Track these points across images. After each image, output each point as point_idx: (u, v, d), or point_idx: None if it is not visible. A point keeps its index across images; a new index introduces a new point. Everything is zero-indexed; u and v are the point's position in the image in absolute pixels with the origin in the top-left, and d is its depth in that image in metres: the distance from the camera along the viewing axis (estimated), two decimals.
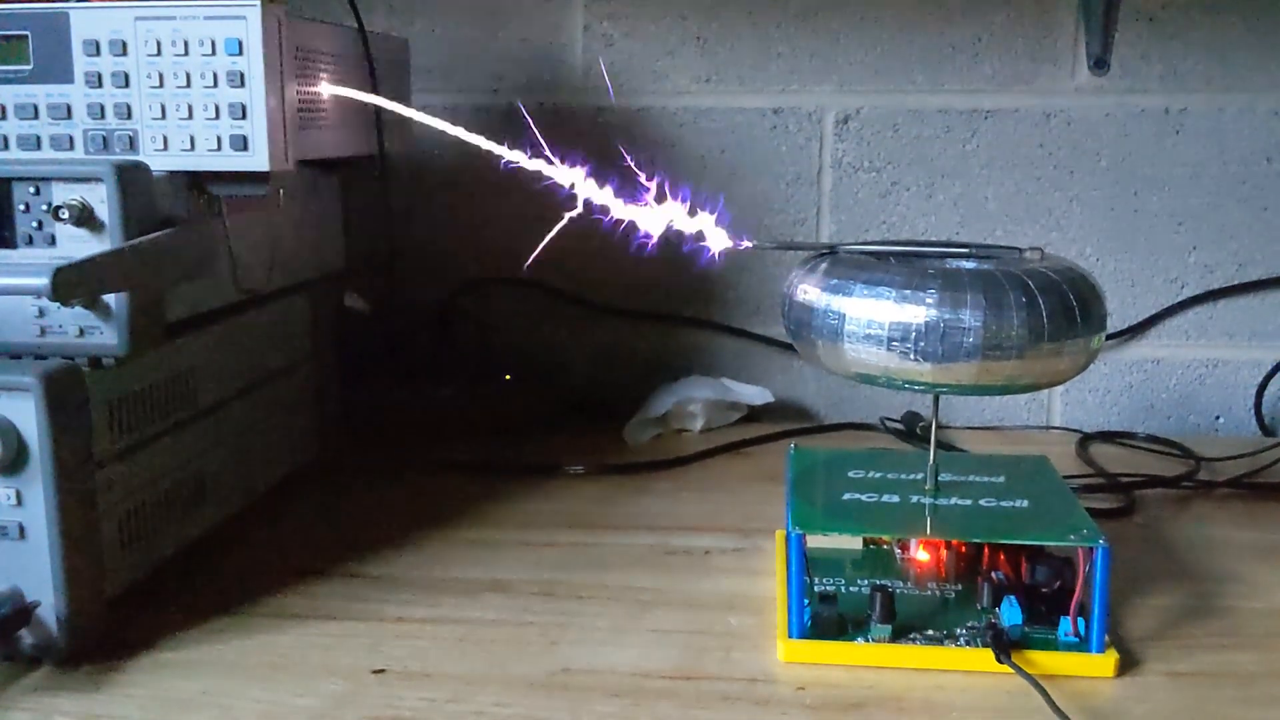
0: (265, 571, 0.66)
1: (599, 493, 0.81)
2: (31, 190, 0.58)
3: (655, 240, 0.61)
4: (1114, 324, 0.97)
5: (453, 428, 0.92)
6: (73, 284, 0.52)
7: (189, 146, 0.62)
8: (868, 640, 0.56)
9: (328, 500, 0.79)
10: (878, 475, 0.64)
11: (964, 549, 0.64)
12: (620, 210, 0.60)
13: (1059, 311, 0.54)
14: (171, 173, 0.61)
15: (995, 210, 0.98)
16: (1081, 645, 0.56)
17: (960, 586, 0.62)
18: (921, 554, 0.64)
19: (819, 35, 0.96)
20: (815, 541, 0.63)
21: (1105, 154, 0.96)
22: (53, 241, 0.58)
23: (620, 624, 0.61)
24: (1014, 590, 0.59)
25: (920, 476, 0.63)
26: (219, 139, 0.62)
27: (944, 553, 0.64)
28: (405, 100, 0.87)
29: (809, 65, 0.97)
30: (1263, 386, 0.98)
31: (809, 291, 0.58)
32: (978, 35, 0.95)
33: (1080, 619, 0.56)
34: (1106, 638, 0.55)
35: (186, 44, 0.61)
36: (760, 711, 0.52)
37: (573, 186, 0.60)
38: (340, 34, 0.74)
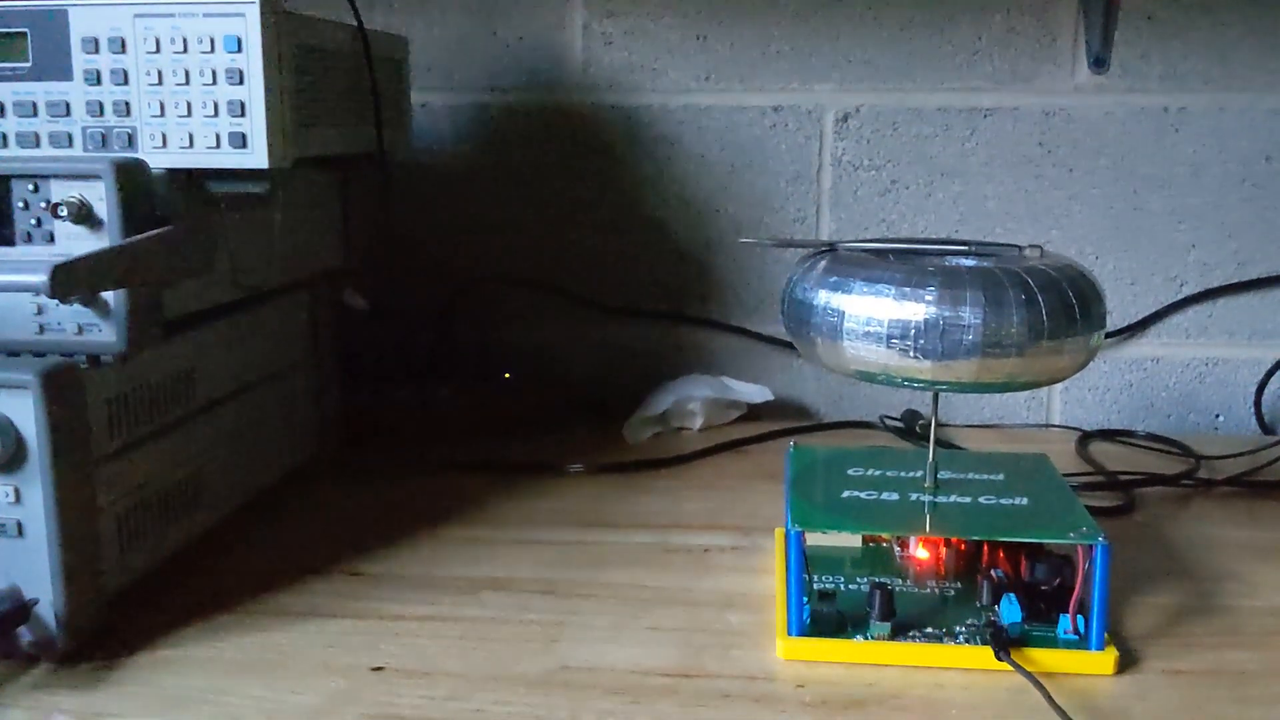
0: (264, 569, 0.66)
1: (598, 491, 0.81)
2: (30, 187, 0.58)
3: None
4: (1114, 322, 0.98)
5: (452, 426, 0.92)
6: (71, 281, 0.52)
7: (188, 144, 0.62)
8: (867, 638, 0.56)
9: (327, 499, 0.79)
10: (877, 473, 0.64)
11: (963, 547, 0.64)
12: None
13: (1059, 309, 0.54)
14: (170, 170, 0.61)
15: (995, 208, 0.98)
16: (1081, 643, 0.56)
17: (960, 584, 0.62)
18: (921, 552, 0.64)
19: (819, 33, 0.96)
20: (814, 539, 0.63)
21: (1105, 152, 0.96)
22: (51, 239, 0.58)
23: (620, 622, 0.61)
24: (1013, 588, 0.58)
25: (920, 474, 0.63)
26: (218, 136, 0.62)
27: (943, 550, 0.64)
28: (405, 98, 0.87)
29: (809, 63, 0.97)
30: (1262, 385, 0.98)
31: (808, 289, 0.58)
32: (977, 34, 0.95)
33: (1080, 617, 0.56)
34: (1106, 635, 0.55)
35: (185, 41, 0.61)
36: (759, 709, 0.52)
37: None
38: (339, 31, 0.74)
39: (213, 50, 0.61)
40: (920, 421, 0.94)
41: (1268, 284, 0.97)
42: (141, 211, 0.58)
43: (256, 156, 0.62)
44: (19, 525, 0.54)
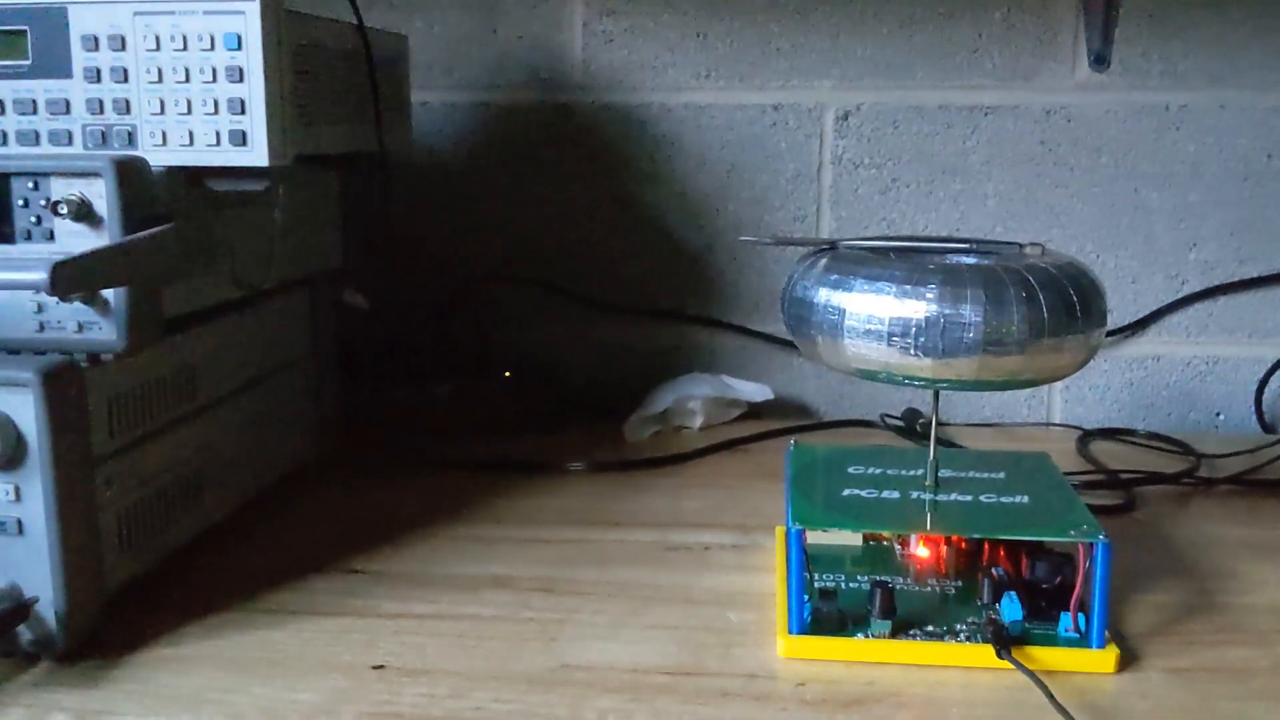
0: (264, 568, 0.66)
1: (599, 489, 0.81)
2: (30, 185, 0.58)
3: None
4: (1114, 320, 0.97)
5: (452, 425, 0.92)
6: (71, 279, 0.52)
7: (188, 142, 0.62)
8: (868, 636, 0.56)
9: (326, 497, 0.79)
10: (877, 471, 0.64)
11: (964, 545, 0.64)
12: None
13: (1059, 307, 0.54)
14: (170, 168, 0.61)
15: (995, 207, 0.98)
16: (1082, 641, 0.56)
17: (960, 582, 0.62)
18: (921, 550, 0.64)
19: (819, 31, 0.96)
20: (815, 538, 0.63)
21: (1106, 150, 0.96)
22: (51, 237, 0.58)
23: (620, 620, 0.61)
24: (1014, 586, 0.58)
25: (920, 473, 0.63)
26: (218, 134, 0.62)
27: (944, 549, 0.64)
28: (405, 96, 0.87)
29: (809, 61, 0.97)
30: (1263, 383, 0.98)
31: (809, 287, 0.58)
32: (978, 32, 0.95)
33: (1080, 615, 0.56)
34: (1107, 633, 0.55)
35: (185, 39, 0.61)
36: (760, 707, 0.52)
37: None
38: (339, 29, 0.74)
39: (213, 48, 0.61)
40: (921, 420, 0.94)
41: (1268, 282, 0.97)
42: (141, 209, 0.58)
43: (256, 154, 0.62)
44: (19, 523, 0.54)
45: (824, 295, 0.57)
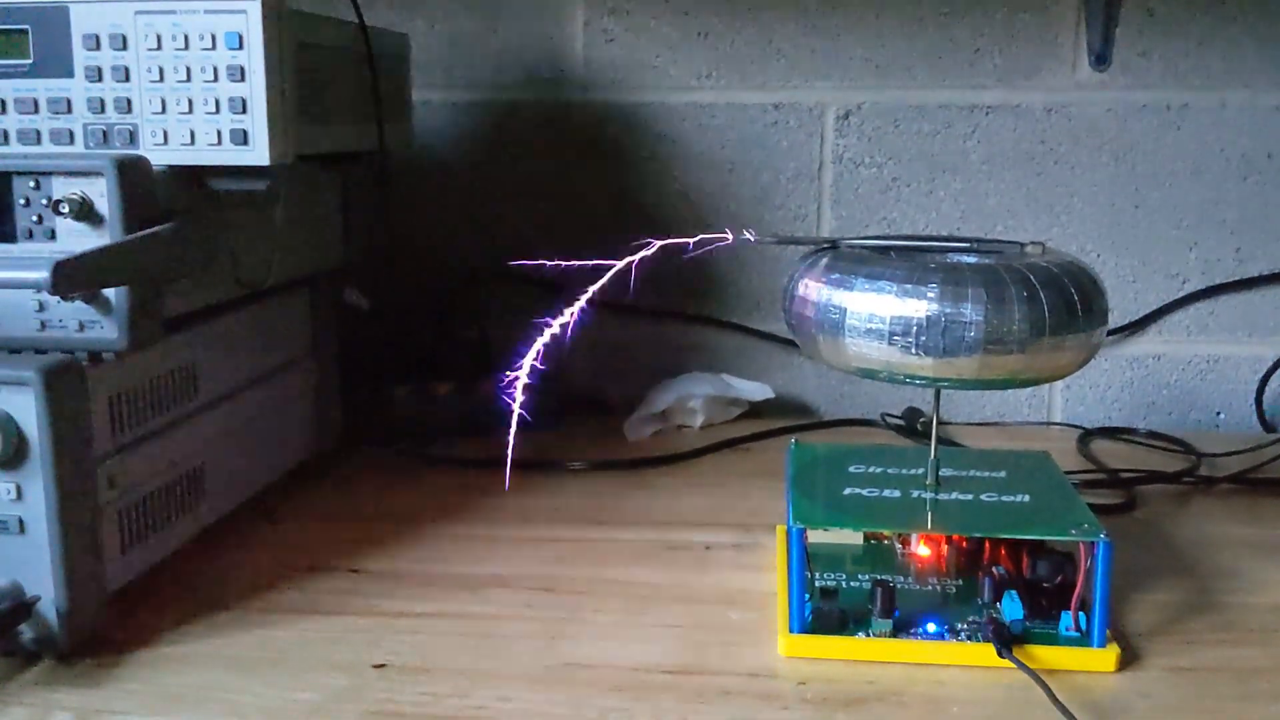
0: (265, 567, 0.66)
1: (599, 488, 0.81)
2: (31, 184, 0.58)
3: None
4: (1115, 320, 0.97)
5: (452, 424, 0.92)
6: (73, 278, 0.52)
7: (189, 141, 0.62)
8: (868, 635, 0.56)
9: (327, 496, 0.79)
10: (878, 470, 0.64)
11: (965, 544, 0.64)
12: None
13: (1060, 306, 0.54)
14: (171, 167, 0.61)
15: (996, 206, 0.98)
16: (1083, 640, 0.56)
17: (961, 581, 0.62)
18: (922, 549, 0.64)
19: (820, 31, 0.96)
20: (816, 537, 0.63)
21: (1106, 150, 0.96)
22: (53, 236, 0.58)
23: (621, 619, 0.61)
24: (1015, 585, 0.58)
25: (921, 472, 0.63)
26: (219, 133, 0.62)
27: (945, 548, 0.64)
28: (406, 95, 0.87)
29: (810, 61, 0.97)
30: (1264, 382, 0.98)
31: (810, 286, 0.58)
32: (979, 31, 0.95)
33: (1081, 614, 0.56)
34: (1108, 632, 0.55)
35: (187, 38, 0.61)
36: (761, 706, 0.52)
37: None
38: (341, 29, 0.74)
39: (214, 47, 0.61)
40: (921, 419, 0.94)
41: (1269, 281, 0.97)
42: (143, 208, 0.58)
43: (258, 153, 0.62)
44: (20, 522, 0.54)
45: (825, 294, 0.57)
